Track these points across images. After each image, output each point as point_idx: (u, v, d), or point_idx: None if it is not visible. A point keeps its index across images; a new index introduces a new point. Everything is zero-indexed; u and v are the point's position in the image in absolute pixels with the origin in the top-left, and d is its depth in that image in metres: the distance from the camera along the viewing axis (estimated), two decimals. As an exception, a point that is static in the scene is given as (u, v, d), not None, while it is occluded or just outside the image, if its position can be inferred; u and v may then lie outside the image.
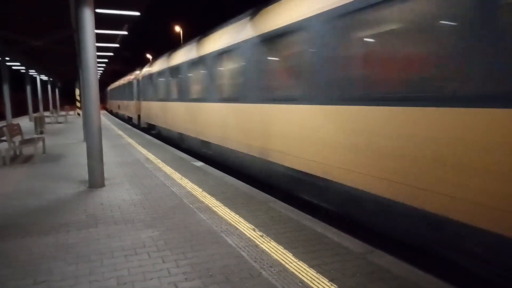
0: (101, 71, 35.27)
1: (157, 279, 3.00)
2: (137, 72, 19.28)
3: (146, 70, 16.39)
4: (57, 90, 42.80)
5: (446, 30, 3.16)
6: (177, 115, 11.40)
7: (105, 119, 25.50)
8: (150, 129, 16.19)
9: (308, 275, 3.04)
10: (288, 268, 3.17)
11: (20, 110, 29.15)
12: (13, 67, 25.34)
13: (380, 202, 3.82)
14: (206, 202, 5.19)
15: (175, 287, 2.86)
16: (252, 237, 3.87)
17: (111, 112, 37.24)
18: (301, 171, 5.15)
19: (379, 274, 3.04)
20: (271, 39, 5.83)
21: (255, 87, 6.46)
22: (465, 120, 2.96)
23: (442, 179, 3.16)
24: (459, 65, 3.03)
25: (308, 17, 4.83)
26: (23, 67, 24.64)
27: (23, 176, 7.18)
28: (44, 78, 34.37)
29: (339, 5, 4.27)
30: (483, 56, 2.83)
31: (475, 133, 2.89)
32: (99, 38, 10.72)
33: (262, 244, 3.70)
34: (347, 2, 4.13)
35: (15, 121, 18.59)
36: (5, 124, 12.72)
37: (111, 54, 21.02)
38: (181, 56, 10.94)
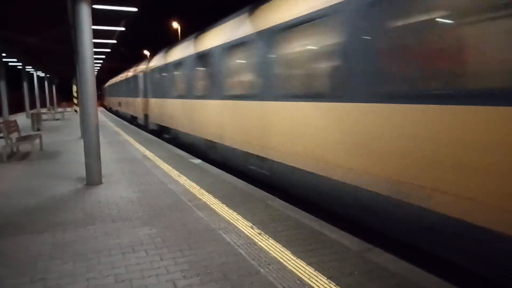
0: (98, 68, 35.06)
1: (155, 277, 2.99)
2: (144, 64, 16.48)
3: (158, 61, 13.43)
4: (54, 87, 42.61)
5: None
6: (208, 117, 8.45)
7: (103, 116, 25.41)
8: (162, 132, 13.28)
9: (306, 273, 3.03)
10: (286, 266, 3.17)
11: (17, 107, 29.00)
12: (10, 64, 25.16)
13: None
14: (204, 200, 5.18)
15: (173, 285, 2.85)
16: (250, 235, 3.87)
17: (110, 110, 35.24)
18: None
19: (377, 272, 3.04)
20: None
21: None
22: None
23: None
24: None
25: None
26: (20, 64, 24.50)
27: (20, 173, 7.14)
28: (41, 74, 34.18)
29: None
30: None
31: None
32: (96, 34, 10.66)
33: (260, 241, 3.70)
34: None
35: (12, 118, 18.50)
36: (2, 121, 12.67)
37: (108, 50, 20.90)
38: (224, 35, 7.60)
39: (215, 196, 5.38)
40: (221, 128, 7.76)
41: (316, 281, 2.91)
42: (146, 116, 15.83)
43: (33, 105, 29.68)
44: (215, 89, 7.99)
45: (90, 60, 5.91)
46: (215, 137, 8.06)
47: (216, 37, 8.01)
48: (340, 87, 4.32)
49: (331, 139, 4.46)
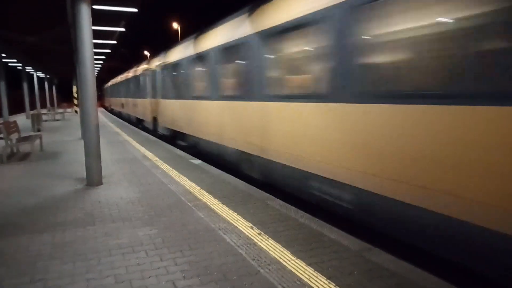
0: (99, 68, 35.05)
1: (155, 277, 2.99)
2: (152, 62, 14.51)
3: (173, 56, 11.45)
4: (54, 87, 42.63)
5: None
6: (243, 122, 6.70)
7: (103, 117, 25.42)
8: (176, 138, 11.49)
9: (306, 273, 3.03)
10: (286, 266, 3.17)
11: (17, 107, 29.02)
12: (10, 64, 25.18)
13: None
14: (204, 200, 5.18)
15: (173, 285, 2.85)
16: (250, 235, 3.87)
17: (111, 111, 33.92)
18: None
19: (376, 272, 3.04)
20: None
21: None
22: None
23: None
24: None
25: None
26: (20, 64, 24.51)
27: (20, 173, 7.14)
28: (41, 75, 34.19)
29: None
30: None
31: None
32: (96, 34, 10.66)
33: (260, 242, 3.70)
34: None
35: (12, 118, 18.50)
36: (2, 121, 12.68)
37: (108, 51, 20.90)
38: (274, 15, 5.60)
39: (215, 196, 5.38)
40: (267, 138, 5.89)
41: (316, 281, 2.91)
42: (154, 119, 14.11)
43: (33, 106, 29.70)
44: (252, 89, 6.25)
45: (90, 61, 5.91)
46: (260, 150, 6.15)
47: (269, 18, 5.76)
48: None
49: None
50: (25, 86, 24.90)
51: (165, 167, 7.58)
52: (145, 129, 16.39)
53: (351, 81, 4.08)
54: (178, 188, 5.84)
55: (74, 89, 25.56)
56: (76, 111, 27.56)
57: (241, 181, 6.33)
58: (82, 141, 6.34)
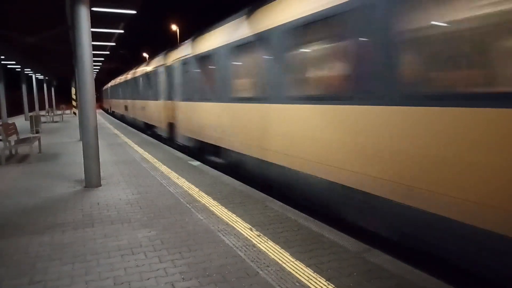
0: (97, 70, 35.03)
1: (154, 279, 2.99)
2: (168, 57, 11.99)
3: (195, 48, 9.07)
4: (53, 89, 42.56)
5: None
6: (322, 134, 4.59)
7: (101, 118, 25.39)
8: (204, 153, 8.83)
9: (305, 275, 3.04)
10: (285, 267, 3.17)
11: (15, 109, 28.97)
12: (8, 66, 25.14)
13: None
14: (203, 202, 5.18)
15: (172, 287, 2.85)
16: (249, 237, 3.87)
17: (112, 114, 32.08)
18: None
19: (376, 272, 3.05)
20: None
21: None
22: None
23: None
24: None
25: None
26: (18, 66, 24.47)
27: (19, 175, 7.13)
28: (40, 77, 34.16)
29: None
30: None
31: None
32: (95, 36, 10.66)
33: (259, 243, 3.70)
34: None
35: (11, 120, 18.47)
36: (1, 123, 12.64)
37: (107, 52, 20.90)
38: None
39: (214, 198, 5.38)
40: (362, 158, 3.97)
41: (315, 282, 2.91)
42: (170, 126, 11.60)
43: (32, 108, 29.65)
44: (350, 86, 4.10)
45: (89, 63, 5.91)
46: (350, 181, 4.17)
47: None
48: None
49: None
50: (23, 87, 24.87)
51: (164, 168, 7.57)
52: (155, 136, 13.88)
53: None
54: (177, 190, 5.84)
55: (73, 91, 25.54)
56: (74, 113, 27.54)
57: (240, 182, 6.33)
58: (81, 143, 6.33)
